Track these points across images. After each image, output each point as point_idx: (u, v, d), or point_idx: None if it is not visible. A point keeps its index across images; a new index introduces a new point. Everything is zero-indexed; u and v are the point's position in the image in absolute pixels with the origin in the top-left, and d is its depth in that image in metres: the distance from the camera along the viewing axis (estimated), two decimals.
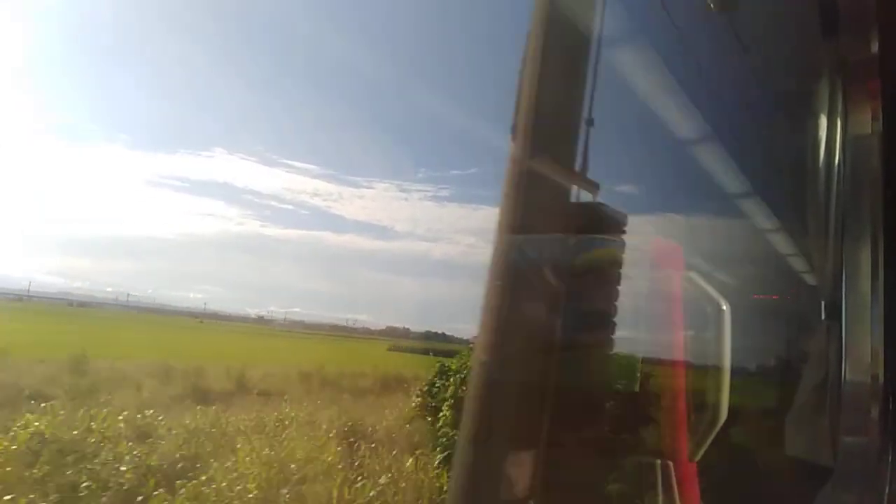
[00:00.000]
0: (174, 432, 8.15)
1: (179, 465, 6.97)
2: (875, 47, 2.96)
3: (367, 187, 34.88)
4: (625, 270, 1.62)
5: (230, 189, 34.52)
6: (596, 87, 1.78)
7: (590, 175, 1.67)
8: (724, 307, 2.35)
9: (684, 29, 3.29)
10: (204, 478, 6.66)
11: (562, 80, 1.62)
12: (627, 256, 1.65)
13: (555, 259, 1.47)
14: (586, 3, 2.80)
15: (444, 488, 7.49)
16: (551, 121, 1.54)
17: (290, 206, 35.87)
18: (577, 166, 1.61)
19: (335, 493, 6.96)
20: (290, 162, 31.46)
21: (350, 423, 9.36)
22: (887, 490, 2.65)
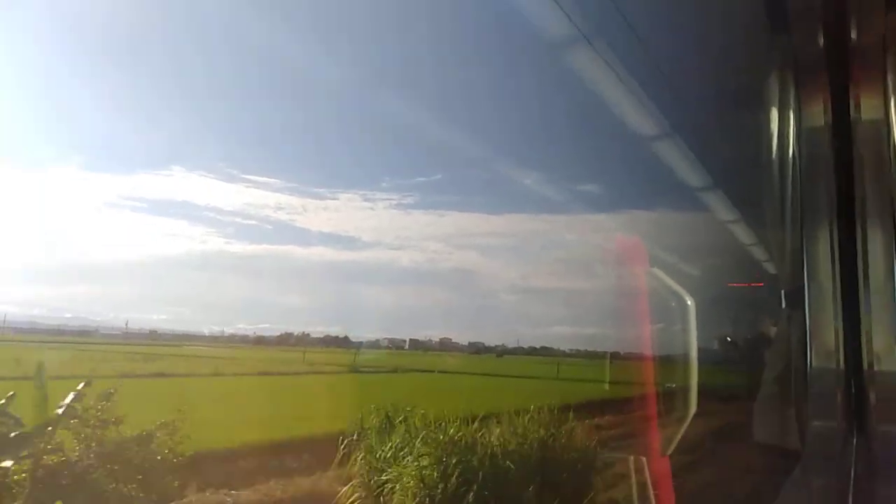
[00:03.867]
0: None
1: None
2: (822, 42, 3.05)
3: (332, 198, 34.73)
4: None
5: (191, 207, 34.04)
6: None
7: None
8: (689, 301, 2.39)
9: (641, 29, 3.35)
10: None
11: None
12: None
13: None
14: (542, 7, 2.83)
15: None
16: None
17: (253, 222, 35.53)
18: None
19: None
20: (250, 177, 31.17)
21: None
22: (853, 472, 2.72)
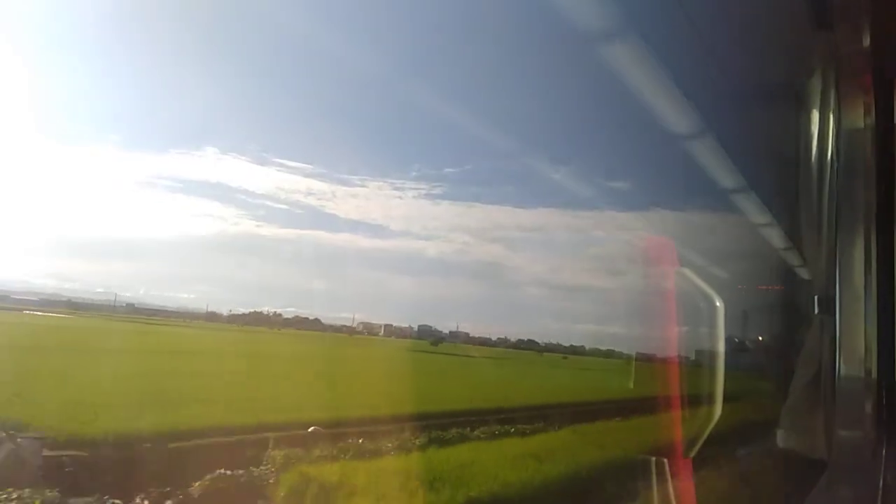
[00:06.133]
0: None
1: None
2: (867, 42, 2.96)
3: (361, 185, 34.86)
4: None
5: (224, 189, 34.37)
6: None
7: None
8: (719, 303, 2.36)
9: (679, 26, 3.29)
10: None
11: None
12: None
13: None
14: (580, 1, 2.80)
15: None
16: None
17: (284, 206, 35.79)
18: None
19: None
20: (282, 161, 31.40)
21: None
22: (881, 482, 2.66)
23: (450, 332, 37.63)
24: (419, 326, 37.06)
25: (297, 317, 34.28)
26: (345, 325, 35.23)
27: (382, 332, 35.96)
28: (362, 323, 35.81)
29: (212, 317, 32.99)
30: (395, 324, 36.08)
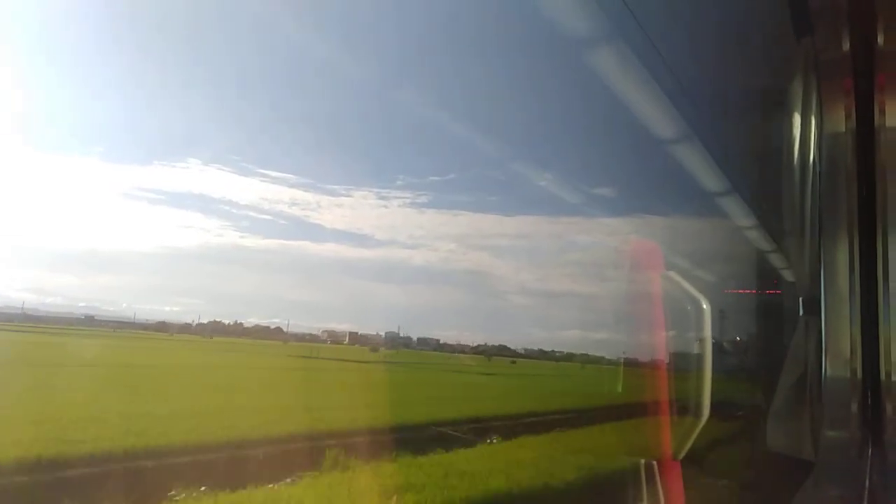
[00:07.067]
0: None
1: None
2: (847, 46, 3.01)
3: (346, 195, 34.72)
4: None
5: (207, 200, 34.06)
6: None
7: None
8: (705, 306, 2.37)
9: (662, 30, 3.32)
10: None
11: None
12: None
13: None
14: (563, 6, 2.82)
15: None
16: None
17: (268, 217, 35.58)
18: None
19: None
20: (266, 171, 31.27)
21: None
22: (868, 482, 2.68)
23: (417, 339, 37.26)
24: (386, 334, 36.61)
25: (256, 326, 33.79)
26: (308, 334, 34.91)
27: (347, 339, 35.60)
28: (326, 331, 35.50)
29: (161, 327, 32.42)
30: (360, 332, 35.74)
